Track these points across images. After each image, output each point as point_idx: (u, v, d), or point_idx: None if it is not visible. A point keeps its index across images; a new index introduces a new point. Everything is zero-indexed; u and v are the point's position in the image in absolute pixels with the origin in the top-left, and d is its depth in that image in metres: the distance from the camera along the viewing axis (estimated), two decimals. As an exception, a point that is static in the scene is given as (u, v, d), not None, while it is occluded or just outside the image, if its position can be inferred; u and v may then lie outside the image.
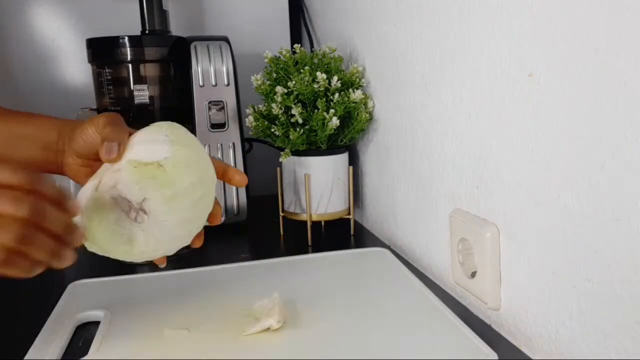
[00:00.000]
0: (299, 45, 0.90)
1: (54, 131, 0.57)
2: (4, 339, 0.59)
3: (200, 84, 0.90)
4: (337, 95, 0.85)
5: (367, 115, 0.86)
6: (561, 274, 0.48)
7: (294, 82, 0.85)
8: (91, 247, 0.50)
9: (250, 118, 0.88)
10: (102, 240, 0.49)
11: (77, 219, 0.47)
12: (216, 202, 0.57)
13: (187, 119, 0.91)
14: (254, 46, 1.17)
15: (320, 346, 0.51)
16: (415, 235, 0.77)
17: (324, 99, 0.85)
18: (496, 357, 0.48)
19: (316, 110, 0.85)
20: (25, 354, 0.52)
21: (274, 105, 0.85)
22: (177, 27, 1.05)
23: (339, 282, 0.67)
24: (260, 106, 0.90)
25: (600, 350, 0.44)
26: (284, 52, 0.89)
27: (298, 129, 0.84)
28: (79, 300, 0.64)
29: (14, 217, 0.42)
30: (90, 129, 0.53)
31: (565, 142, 0.46)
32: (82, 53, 1.12)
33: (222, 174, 0.59)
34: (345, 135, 0.88)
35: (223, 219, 0.58)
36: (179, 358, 0.51)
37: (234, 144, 0.92)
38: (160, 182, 0.49)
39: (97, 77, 0.92)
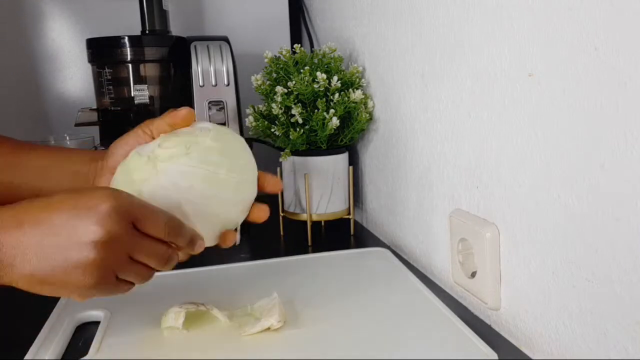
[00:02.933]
0: (299, 45, 0.90)
1: (86, 157, 0.59)
2: (4, 339, 0.59)
3: (200, 84, 0.90)
4: (337, 95, 0.85)
5: (367, 115, 0.86)
6: (561, 274, 0.48)
7: (294, 82, 0.85)
8: None
9: (250, 118, 0.88)
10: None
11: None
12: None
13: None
14: (254, 46, 1.17)
15: (320, 346, 0.51)
16: (415, 235, 0.77)
17: (324, 99, 0.85)
18: (496, 357, 0.48)
19: (316, 110, 0.85)
20: (25, 354, 0.52)
21: (274, 105, 0.85)
22: (177, 27, 1.05)
23: (339, 282, 0.67)
24: (260, 106, 0.90)
25: (600, 350, 0.44)
26: (284, 52, 0.89)
27: (298, 129, 0.84)
28: (79, 300, 0.64)
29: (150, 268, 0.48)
30: (135, 132, 0.55)
31: (565, 142, 0.46)
32: (82, 53, 1.13)
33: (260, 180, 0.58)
34: (345, 135, 0.88)
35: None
36: (179, 358, 0.51)
37: (234, 144, 0.92)
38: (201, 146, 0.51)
39: (97, 77, 0.93)
